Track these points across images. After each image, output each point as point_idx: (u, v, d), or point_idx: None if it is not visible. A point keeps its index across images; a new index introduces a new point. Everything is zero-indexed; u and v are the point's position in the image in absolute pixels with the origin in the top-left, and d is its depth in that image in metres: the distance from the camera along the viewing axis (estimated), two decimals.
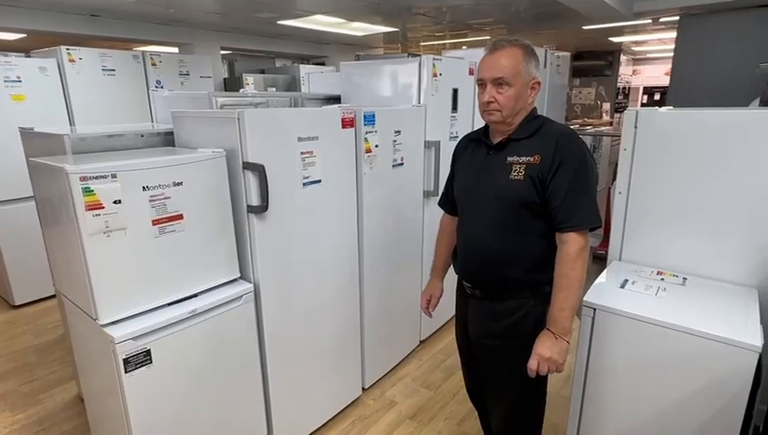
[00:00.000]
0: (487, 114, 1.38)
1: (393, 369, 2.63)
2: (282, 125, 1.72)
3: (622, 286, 1.57)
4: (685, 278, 1.63)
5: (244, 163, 1.62)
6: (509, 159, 1.35)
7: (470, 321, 1.54)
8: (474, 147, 1.49)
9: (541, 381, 1.43)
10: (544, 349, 1.31)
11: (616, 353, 1.46)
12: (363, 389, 2.43)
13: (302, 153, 1.80)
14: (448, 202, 1.63)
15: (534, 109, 1.41)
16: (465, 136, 1.57)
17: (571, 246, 1.27)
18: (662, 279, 1.63)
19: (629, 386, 1.46)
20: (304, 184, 1.83)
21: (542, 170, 1.29)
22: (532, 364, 1.32)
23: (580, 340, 1.52)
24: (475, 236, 1.45)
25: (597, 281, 1.61)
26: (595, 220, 1.29)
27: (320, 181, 1.89)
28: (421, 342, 2.90)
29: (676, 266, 1.69)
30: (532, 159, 1.30)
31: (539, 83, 1.36)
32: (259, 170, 1.62)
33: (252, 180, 1.64)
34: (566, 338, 1.31)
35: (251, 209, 1.66)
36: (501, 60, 1.32)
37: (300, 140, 1.78)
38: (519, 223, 1.34)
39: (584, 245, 1.28)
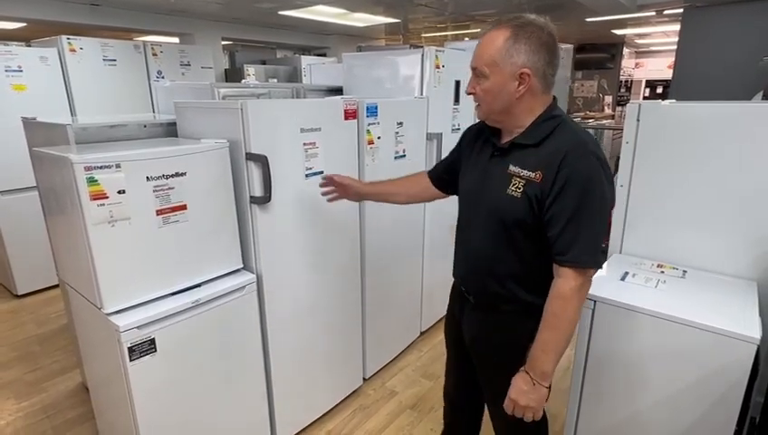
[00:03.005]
0: (475, 107, 1.23)
1: (394, 359, 2.66)
2: (284, 116, 1.72)
3: (622, 279, 1.58)
4: (685, 271, 1.64)
5: (247, 154, 1.62)
6: (511, 168, 1.15)
7: (465, 324, 1.42)
8: (482, 142, 1.30)
9: None
10: (519, 395, 1.14)
11: (615, 345, 1.48)
12: (364, 379, 2.45)
13: (304, 144, 1.80)
14: (436, 173, 1.53)
15: (552, 105, 1.17)
16: (473, 127, 1.38)
17: (566, 283, 1.09)
18: (662, 272, 1.64)
19: (628, 377, 1.48)
20: (307, 175, 1.84)
21: (542, 190, 1.09)
22: (507, 407, 1.18)
23: (579, 331, 1.53)
24: (470, 244, 1.32)
25: (597, 273, 1.62)
26: (596, 261, 1.10)
27: (322, 172, 1.89)
28: (422, 333, 2.92)
29: (677, 259, 1.70)
30: (533, 174, 1.11)
31: (529, 74, 1.09)
32: (262, 161, 1.62)
33: (255, 171, 1.65)
34: (545, 384, 1.13)
35: (254, 200, 1.67)
36: (480, 46, 1.12)
37: (302, 131, 1.78)
38: (512, 240, 1.18)
39: (582, 283, 1.09)
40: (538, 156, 1.12)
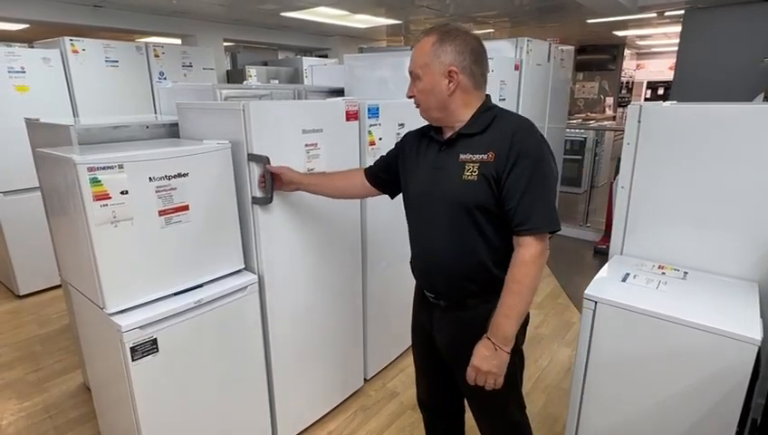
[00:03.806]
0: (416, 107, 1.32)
1: (395, 360, 2.66)
2: (286, 117, 1.73)
3: (623, 280, 1.58)
4: (686, 272, 1.64)
5: (249, 155, 1.63)
6: (461, 156, 1.22)
7: (437, 332, 1.41)
8: (426, 144, 1.35)
9: (516, 387, 1.35)
10: (482, 361, 1.19)
11: (616, 346, 1.48)
12: (365, 379, 2.45)
13: (306, 145, 1.81)
14: (373, 171, 1.55)
15: (487, 99, 1.27)
16: (414, 131, 1.44)
17: (527, 250, 1.16)
18: (663, 273, 1.64)
19: (629, 378, 1.48)
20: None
21: (497, 169, 1.16)
22: (470, 375, 1.22)
23: (580, 332, 1.54)
24: (432, 243, 1.32)
25: (598, 275, 1.63)
26: (553, 224, 1.17)
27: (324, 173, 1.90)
28: None
29: (678, 261, 1.70)
30: (485, 156, 1.18)
31: (456, 71, 1.19)
32: (264, 162, 1.63)
33: (256, 172, 1.65)
34: (506, 349, 1.18)
35: (255, 201, 1.67)
36: (413, 52, 1.25)
37: (304, 132, 1.79)
38: (477, 227, 1.22)
39: (542, 250, 1.16)
40: (485, 141, 1.20)
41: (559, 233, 1.24)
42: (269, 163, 1.64)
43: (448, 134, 1.28)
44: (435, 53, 1.19)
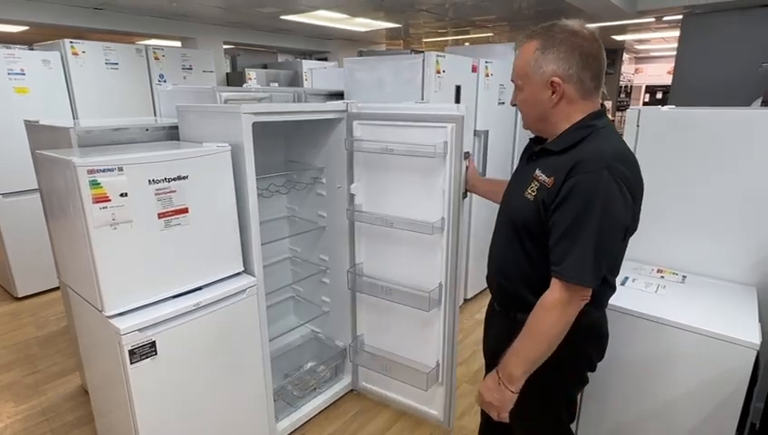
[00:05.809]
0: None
1: None
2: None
3: (623, 284, 1.59)
4: (684, 276, 1.65)
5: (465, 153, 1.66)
6: (536, 171, 1.14)
7: (489, 331, 1.42)
8: (528, 149, 1.29)
9: (552, 410, 1.27)
10: (485, 391, 1.16)
11: (615, 349, 1.48)
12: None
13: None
14: None
15: (594, 114, 1.12)
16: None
17: (551, 293, 1.06)
18: (662, 277, 1.64)
19: (628, 382, 1.48)
20: None
21: (549, 195, 1.08)
22: (477, 400, 1.21)
23: None
24: (493, 255, 1.32)
25: None
26: (583, 277, 1.03)
27: None
28: None
29: (676, 265, 1.71)
30: (548, 179, 1.09)
31: (559, 82, 1.08)
32: (467, 157, 1.66)
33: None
34: (511, 387, 1.11)
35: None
36: (515, 60, 1.16)
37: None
38: (522, 243, 1.17)
39: (567, 299, 1.04)
40: (557, 163, 1.09)
41: None
42: (471, 158, 1.64)
43: (544, 144, 1.20)
44: (536, 62, 1.09)
